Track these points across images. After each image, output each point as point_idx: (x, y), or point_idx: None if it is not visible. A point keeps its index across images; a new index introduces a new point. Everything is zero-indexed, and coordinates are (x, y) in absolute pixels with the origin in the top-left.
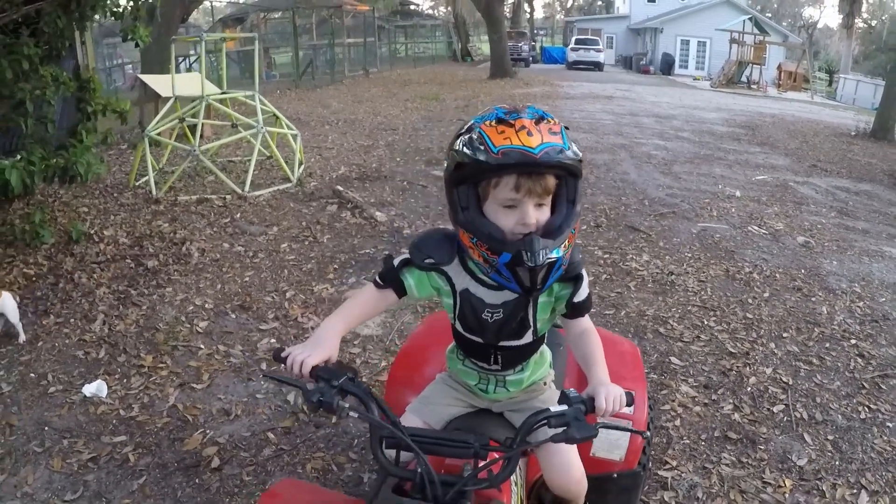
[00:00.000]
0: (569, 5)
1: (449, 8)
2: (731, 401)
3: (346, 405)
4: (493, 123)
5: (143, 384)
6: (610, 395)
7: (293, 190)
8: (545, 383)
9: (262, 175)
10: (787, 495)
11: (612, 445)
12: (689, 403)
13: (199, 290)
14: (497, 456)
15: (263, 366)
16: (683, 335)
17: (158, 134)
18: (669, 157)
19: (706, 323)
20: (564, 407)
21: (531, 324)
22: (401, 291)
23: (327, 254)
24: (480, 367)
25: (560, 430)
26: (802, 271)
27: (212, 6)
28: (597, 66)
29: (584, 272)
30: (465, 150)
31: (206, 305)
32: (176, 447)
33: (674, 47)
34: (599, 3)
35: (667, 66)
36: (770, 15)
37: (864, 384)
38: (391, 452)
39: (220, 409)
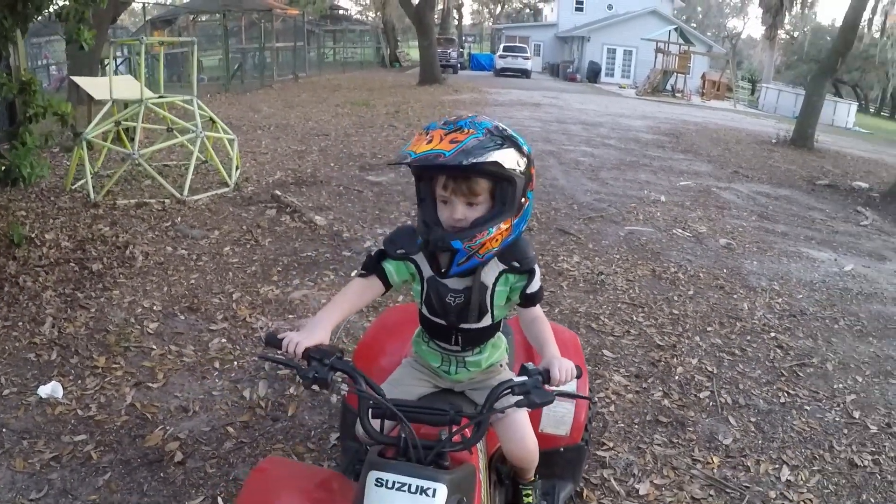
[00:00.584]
0: (497, 13)
1: (378, 13)
2: (660, 388)
3: (339, 380)
4: (421, 131)
5: (98, 384)
6: (563, 367)
7: (231, 194)
8: (501, 365)
9: (199, 179)
10: (714, 470)
11: (558, 421)
12: (621, 391)
13: (146, 292)
14: (469, 421)
15: (217, 364)
16: (614, 330)
17: (94, 137)
18: (596, 164)
19: (635, 319)
20: (525, 378)
21: (489, 309)
22: (384, 278)
23: (270, 257)
24: (443, 349)
25: (521, 397)
26: (725, 271)
27: (143, 8)
28: (524, 73)
29: (536, 267)
30: None
31: (155, 307)
32: (137, 444)
33: (600, 56)
34: (527, 10)
35: (593, 75)
36: (695, 25)
37: (784, 372)
38: (376, 423)
39: (177, 406)
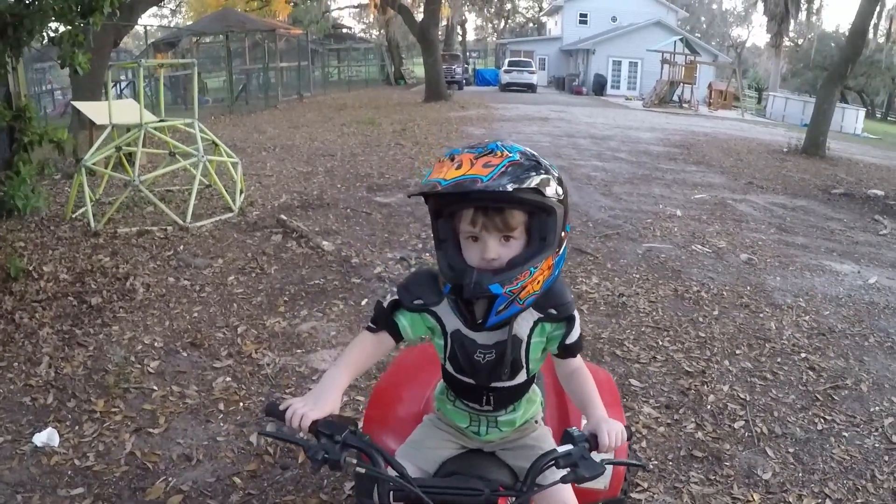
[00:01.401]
0: (501, 27)
1: (382, 31)
2: (692, 419)
3: (353, 460)
4: (443, 158)
5: (96, 430)
6: (611, 430)
7: (235, 220)
8: (536, 421)
9: (203, 205)
10: None
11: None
12: (652, 424)
13: (147, 327)
14: (508, 500)
15: (221, 406)
16: (640, 356)
17: (94, 163)
18: (609, 178)
19: (661, 343)
20: (570, 446)
21: (524, 364)
22: (396, 334)
23: (276, 285)
24: (471, 408)
25: (567, 470)
26: (748, 288)
27: (145, 31)
28: (530, 87)
29: (575, 313)
30: None
31: (156, 343)
32: (138, 497)
33: (606, 68)
34: (531, 25)
35: (599, 87)
36: (699, 35)
37: (818, 396)
38: None
39: (180, 454)
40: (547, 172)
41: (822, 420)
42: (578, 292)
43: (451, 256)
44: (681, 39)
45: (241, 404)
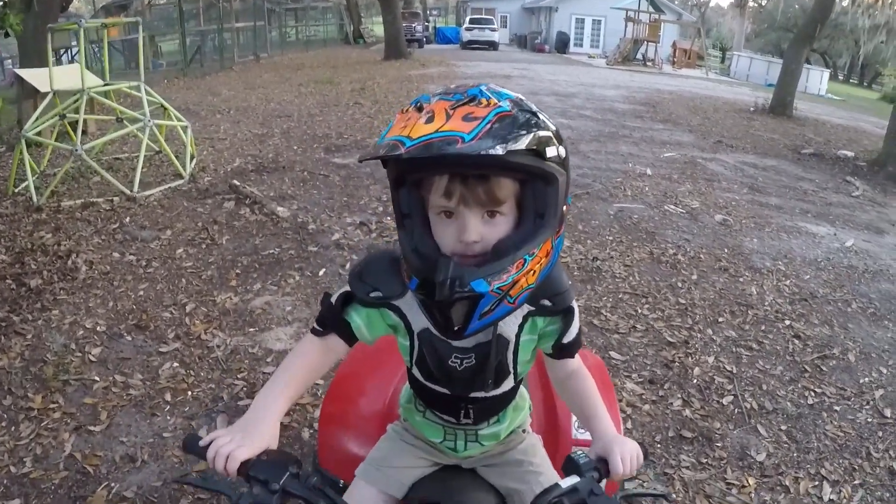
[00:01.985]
0: None
1: None
2: (679, 395)
3: None
4: (409, 108)
5: (33, 431)
6: (625, 453)
7: (186, 187)
8: (524, 430)
9: (152, 172)
10: (752, 495)
11: None
12: (637, 402)
13: (89, 309)
14: None
15: (168, 396)
16: (619, 326)
17: (38, 133)
18: (575, 136)
19: (640, 311)
20: (575, 478)
21: (510, 369)
22: (349, 335)
23: (228, 257)
24: (446, 422)
25: None
26: (726, 251)
27: None
28: (491, 45)
29: (574, 304)
30: None
31: (98, 328)
32: None
33: (569, 26)
34: None
35: (562, 45)
36: None
37: (806, 367)
38: None
39: (123, 454)
40: (546, 128)
41: (813, 393)
42: None
43: (419, 237)
44: None
45: (189, 393)
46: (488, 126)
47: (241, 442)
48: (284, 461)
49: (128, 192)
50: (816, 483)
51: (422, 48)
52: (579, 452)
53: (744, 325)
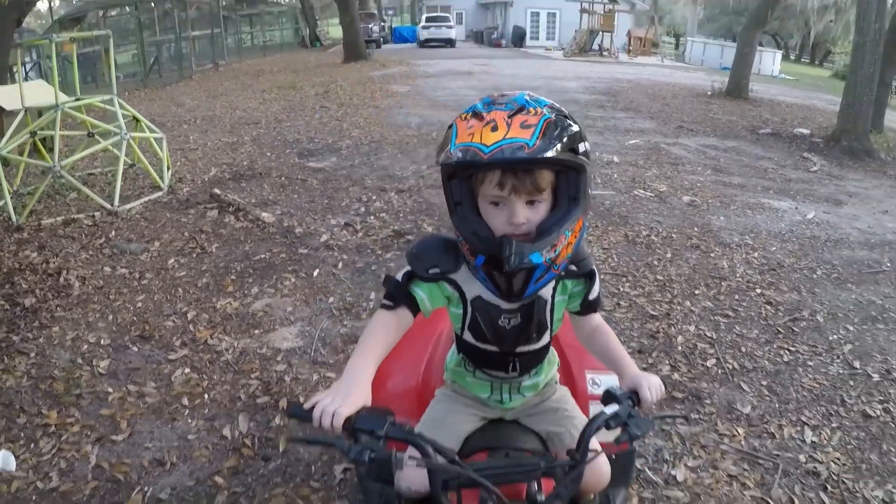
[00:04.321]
0: None
1: None
2: (667, 362)
3: (404, 455)
4: (468, 117)
5: (54, 446)
6: (651, 385)
7: (166, 198)
8: (556, 382)
9: (128, 185)
10: (742, 442)
11: (611, 431)
12: None
13: (90, 324)
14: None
15: (185, 401)
16: (604, 304)
17: (8, 152)
18: None
19: (622, 289)
20: (615, 406)
21: (548, 325)
22: (414, 308)
23: (220, 264)
24: (494, 377)
25: (619, 430)
26: (696, 229)
27: (50, 6)
28: (449, 42)
29: (594, 267)
30: (440, 146)
31: (102, 341)
32: None
33: (524, 19)
34: None
35: (518, 39)
36: None
37: (780, 329)
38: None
39: (151, 459)
40: (576, 128)
41: (787, 352)
42: None
43: (475, 222)
44: None
45: (206, 396)
46: (541, 133)
47: (342, 402)
48: (383, 414)
49: (108, 206)
50: (798, 428)
51: (380, 48)
52: (615, 387)
53: (719, 296)
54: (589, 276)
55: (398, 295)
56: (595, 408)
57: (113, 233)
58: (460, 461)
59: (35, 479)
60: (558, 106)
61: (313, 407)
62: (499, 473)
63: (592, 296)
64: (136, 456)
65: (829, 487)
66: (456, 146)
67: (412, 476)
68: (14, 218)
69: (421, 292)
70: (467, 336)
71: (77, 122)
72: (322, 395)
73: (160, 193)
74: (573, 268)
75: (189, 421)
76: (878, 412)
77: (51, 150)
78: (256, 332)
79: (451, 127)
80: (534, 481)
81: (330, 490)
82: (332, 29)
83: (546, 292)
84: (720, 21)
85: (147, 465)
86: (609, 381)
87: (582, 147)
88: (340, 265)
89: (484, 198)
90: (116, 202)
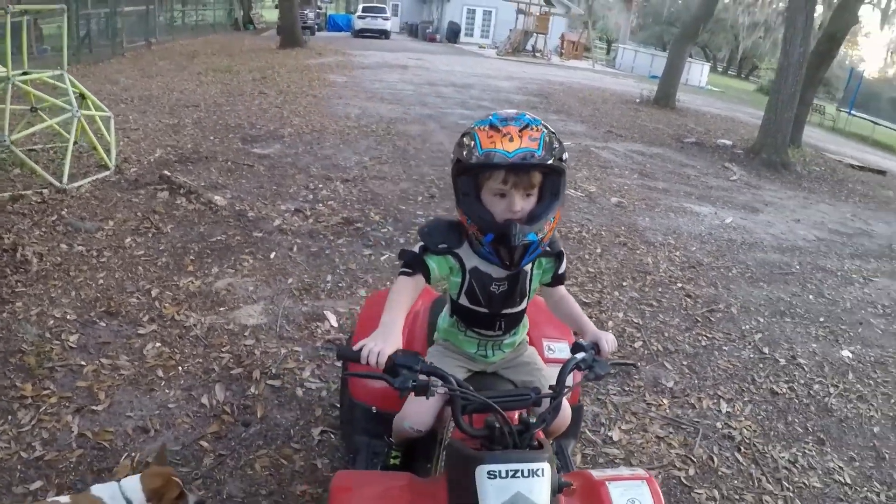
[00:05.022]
0: None
1: None
2: None
3: (437, 383)
4: (486, 128)
5: (33, 417)
6: (608, 339)
7: (114, 178)
8: (526, 342)
9: (73, 164)
10: (667, 410)
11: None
12: None
13: (53, 299)
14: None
15: (160, 372)
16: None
17: None
18: None
19: None
20: (582, 353)
21: (527, 292)
22: (428, 276)
23: (177, 244)
24: (481, 335)
25: (586, 371)
26: (623, 228)
27: None
28: (384, 34)
29: (563, 249)
30: (461, 149)
31: (69, 316)
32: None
33: (460, 16)
34: None
35: (453, 35)
36: None
37: (698, 318)
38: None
39: (135, 427)
40: (559, 141)
41: (705, 338)
42: None
43: (480, 210)
44: None
45: (180, 368)
46: (544, 145)
47: (383, 345)
48: (415, 354)
49: (57, 184)
50: (715, 401)
51: (314, 35)
52: (581, 340)
53: (644, 288)
54: (558, 256)
55: (415, 264)
56: (552, 369)
57: (64, 210)
58: (473, 392)
59: (18, 449)
60: (548, 125)
61: (360, 349)
62: (503, 400)
63: (561, 270)
64: (118, 424)
65: (742, 448)
66: (483, 150)
67: (416, 413)
68: None
69: (433, 263)
70: (463, 300)
71: (21, 94)
72: (367, 341)
73: (108, 173)
74: (548, 248)
75: (167, 391)
76: (785, 390)
77: None
78: (222, 309)
79: (470, 135)
80: (524, 410)
81: (310, 451)
82: (266, 12)
83: (526, 266)
84: (652, 30)
85: (131, 433)
86: (561, 347)
87: (564, 156)
88: (295, 248)
89: (489, 190)
90: (66, 180)
